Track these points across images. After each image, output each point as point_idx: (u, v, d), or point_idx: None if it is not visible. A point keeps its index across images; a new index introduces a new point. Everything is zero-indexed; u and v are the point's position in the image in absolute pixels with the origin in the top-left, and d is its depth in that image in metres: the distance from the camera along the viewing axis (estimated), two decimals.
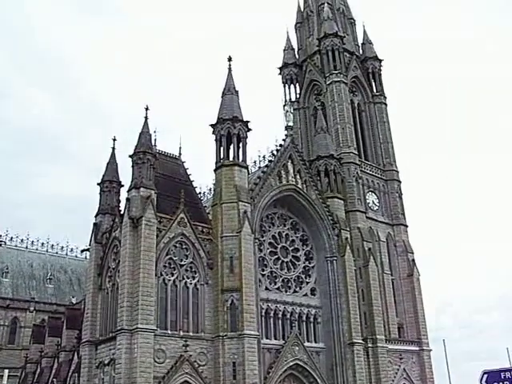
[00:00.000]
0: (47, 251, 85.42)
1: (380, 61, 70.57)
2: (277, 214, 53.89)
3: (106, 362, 42.91)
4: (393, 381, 54.30)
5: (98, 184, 51.46)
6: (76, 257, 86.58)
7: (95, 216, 50.61)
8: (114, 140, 53.17)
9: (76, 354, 50.29)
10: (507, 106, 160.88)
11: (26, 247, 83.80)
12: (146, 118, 47.89)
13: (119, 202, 50.26)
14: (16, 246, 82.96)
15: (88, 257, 54.97)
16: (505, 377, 17.28)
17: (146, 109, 48.07)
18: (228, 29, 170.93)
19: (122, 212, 45.93)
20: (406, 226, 63.54)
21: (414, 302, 59.96)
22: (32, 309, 74.86)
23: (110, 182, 51.08)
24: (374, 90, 68.87)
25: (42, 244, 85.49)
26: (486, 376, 17.59)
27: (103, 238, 48.55)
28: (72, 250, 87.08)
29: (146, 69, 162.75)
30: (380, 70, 70.38)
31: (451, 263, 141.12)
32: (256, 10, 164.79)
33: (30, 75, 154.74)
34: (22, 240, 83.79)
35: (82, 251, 72.62)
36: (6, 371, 23.70)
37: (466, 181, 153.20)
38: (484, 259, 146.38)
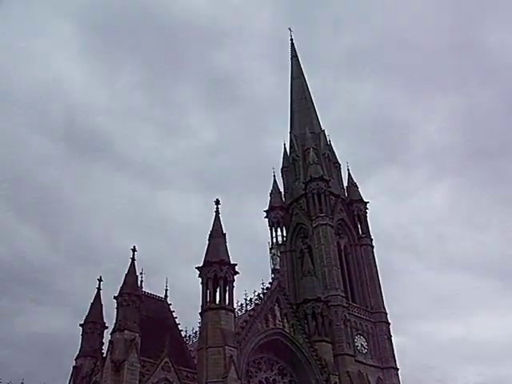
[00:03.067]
0: None
1: (365, 203, 72.05)
2: (264, 358, 52.54)
3: None
4: None
5: (81, 325, 50.51)
6: None
7: (75, 358, 49.30)
8: (100, 280, 52.91)
9: None
10: None
11: None
12: (133, 259, 47.87)
13: (102, 344, 49.16)
14: None
15: None
16: None
17: (133, 250, 48.20)
18: (215, 172, 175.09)
19: (104, 355, 44.72)
20: (397, 369, 61.91)
21: None
22: None
23: (93, 324, 50.24)
24: (360, 232, 69.64)
25: None
26: None
27: (83, 383, 46.89)
28: None
29: (135, 210, 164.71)
30: (365, 212, 71.64)
31: None
32: (243, 153, 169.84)
33: (20, 211, 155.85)
34: None
35: None
36: None
37: (456, 318, 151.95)
38: None
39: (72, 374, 48.41)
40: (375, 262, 68.07)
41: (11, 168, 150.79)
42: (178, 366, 44.98)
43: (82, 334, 50.49)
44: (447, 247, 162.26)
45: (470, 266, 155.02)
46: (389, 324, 64.32)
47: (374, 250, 69.21)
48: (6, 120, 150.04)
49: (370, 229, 70.69)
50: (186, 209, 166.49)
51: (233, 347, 46.53)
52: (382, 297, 65.85)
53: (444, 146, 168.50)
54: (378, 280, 67.00)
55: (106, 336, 47.80)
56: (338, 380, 53.78)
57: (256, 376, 51.17)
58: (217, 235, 51.59)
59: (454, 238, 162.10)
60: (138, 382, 41.74)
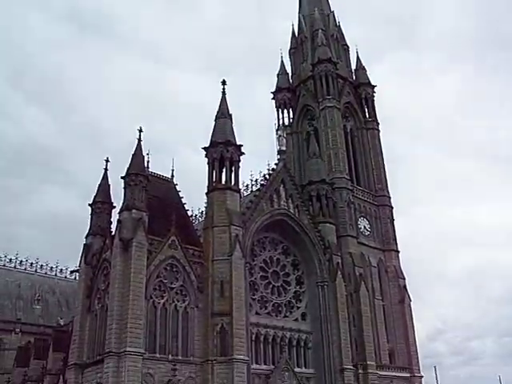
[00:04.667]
0: (36, 271, 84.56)
1: (373, 87, 71.15)
2: (268, 238, 53.74)
3: None
4: None
5: (90, 205, 50.99)
6: (65, 278, 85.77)
7: (86, 237, 50.06)
8: (107, 161, 52.92)
9: (62, 377, 49.53)
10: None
11: (15, 267, 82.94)
12: (140, 139, 47.74)
13: (110, 223, 49.73)
14: (4, 265, 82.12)
15: (77, 278, 54.48)
16: None
17: (140, 130, 47.96)
18: (222, 52, 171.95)
19: (112, 233, 45.57)
20: (398, 252, 63.46)
21: (405, 328, 59.70)
22: (18, 330, 73.71)
23: (101, 203, 50.61)
24: (367, 116, 69.19)
25: (31, 264, 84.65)
26: None
27: (93, 260, 48.01)
28: (61, 270, 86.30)
29: (141, 92, 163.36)
30: (373, 95, 70.88)
31: (444, 288, 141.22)
32: (251, 34, 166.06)
33: (28, 94, 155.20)
34: (10, 259, 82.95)
35: (72, 272, 72.19)
36: None
37: (459, 204, 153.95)
38: (479, 283, 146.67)
39: (83, 252, 49.36)
40: (381, 146, 68.16)
41: (15, 52, 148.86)
42: (185, 244, 46.04)
43: (90, 214, 50.91)
44: (456, 134, 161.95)
45: (478, 154, 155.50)
46: (392, 207, 65.34)
47: (381, 134, 69.07)
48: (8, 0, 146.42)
49: (377, 113, 70.20)
50: (192, 90, 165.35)
51: (238, 226, 47.49)
52: (386, 181, 66.42)
53: (458, 32, 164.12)
54: (383, 164, 67.35)
55: (114, 215, 48.45)
56: (340, 260, 55.19)
57: (260, 255, 52.51)
58: (223, 116, 51.28)
59: (463, 125, 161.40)
60: (145, 259, 42.87)
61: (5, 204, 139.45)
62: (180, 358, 42.98)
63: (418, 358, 59.34)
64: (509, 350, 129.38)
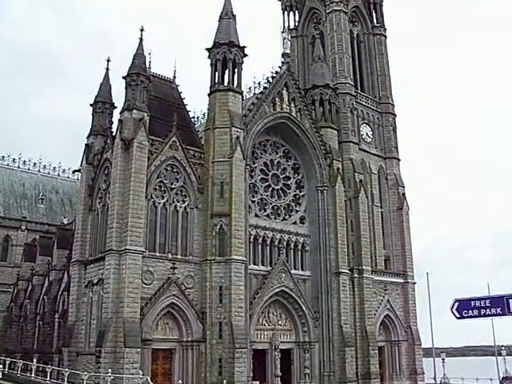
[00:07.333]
0: (39, 171, 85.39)
1: None
2: (269, 141, 53.69)
3: (94, 281, 43.72)
4: (376, 311, 55.32)
5: (91, 105, 50.78)
6: (68, 178, 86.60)
7: (87, 137, 50.19)
8: (108, 61, 52.34)
9: (66, 273, 51.15)
10: None
11: (18, 167, 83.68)
12: (141, 39, 46.96)
13: (111, 123, 49.74)
14: (8, 165, 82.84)
15: (79, 178, 54.95)
16: (475, 305, 17.74)
17: (141, 30, 47.11)
18: None
19: (113, 133, 45.62)
20: (399, 160, 63.35)
21: (401, 235, 60.46)
22: (24, 228, 75.45)
23: (102, 103, 50.44)
24: (375, 22, 67.33)
25: (34, 164, 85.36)
26: (456, 304, 18.07)
27: (95, 160, 48.30)
28: (64, 170, 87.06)
29: None
30: (381, 0, 68.78)
31: (446, 199, 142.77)
32: None
33: None
34: (13, 159, 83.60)
35: (74, 172, 72.69)
36: None
37: (460, 116, 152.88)
38: (480, 194, 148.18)
39: (84, 152, 49.50)
40: (387, 53, 66.71)
41: None
42: (186, 145, 46.11)
43: (92, 114, 50.74)
44: None
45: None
46: (395, 115, 64.79)
47: (387, 40, 67.48)
48: None
49: (386, 19, 68.36)
50: None
51: (239, 128, 47.38)
52: (390, 88, 65.55)
53: None
54: (389, 71, 66.27)
55: (116, 116, 48.30)
56: (340, 166, 55.31)
57: (261, 157, 52.63)
58: (227, 16, 50.10)
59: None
60: (146, 159, 43.11)
61: (7, 106, 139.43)
62: (179, 256, 44.06)
63: (412, 264, 60.33)
64: (502, 259, 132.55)
